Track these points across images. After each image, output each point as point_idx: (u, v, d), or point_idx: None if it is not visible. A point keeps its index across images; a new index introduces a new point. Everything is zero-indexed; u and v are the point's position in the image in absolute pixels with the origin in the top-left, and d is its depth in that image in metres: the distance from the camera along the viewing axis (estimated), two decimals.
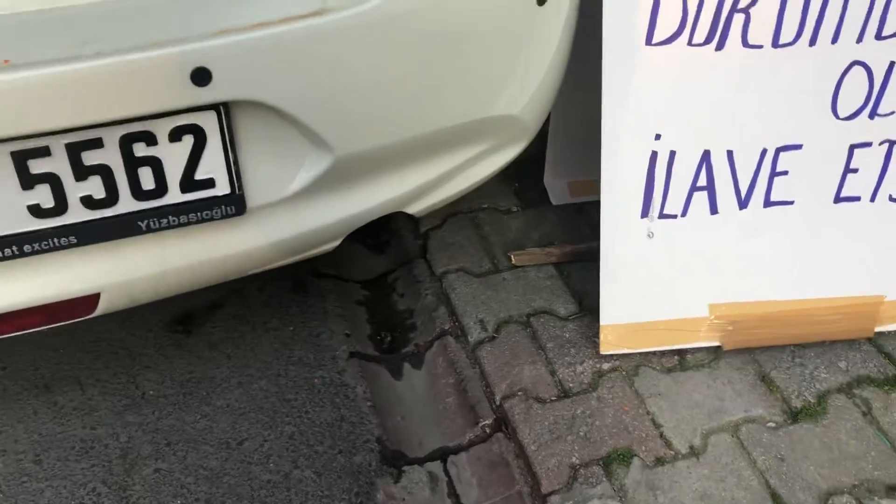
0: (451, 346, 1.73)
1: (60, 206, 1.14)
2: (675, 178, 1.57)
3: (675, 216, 1.60)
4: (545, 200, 2.06)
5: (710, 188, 1.59)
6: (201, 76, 1.08)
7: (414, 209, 1.49)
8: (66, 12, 1.05)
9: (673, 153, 1.55)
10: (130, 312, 1.57)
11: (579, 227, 1.98)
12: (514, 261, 1.87)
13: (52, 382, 1.65)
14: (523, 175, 2.08)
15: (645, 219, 1.59)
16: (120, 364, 1.69)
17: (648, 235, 1.60)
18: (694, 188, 1.59)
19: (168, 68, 1.06)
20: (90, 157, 1.13)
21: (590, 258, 1.80)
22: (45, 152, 1.10)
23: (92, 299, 1.26)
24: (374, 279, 2.00)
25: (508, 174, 1.80)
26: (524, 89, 1.42)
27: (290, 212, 1.31)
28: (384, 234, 2.08)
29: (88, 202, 1.16)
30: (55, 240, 1.16)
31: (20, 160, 1.09)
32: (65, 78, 1.03)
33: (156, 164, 1.17)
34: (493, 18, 1.28)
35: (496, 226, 2.01)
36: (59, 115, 1.06)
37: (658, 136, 1.54)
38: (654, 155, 1.55)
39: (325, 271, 1.95)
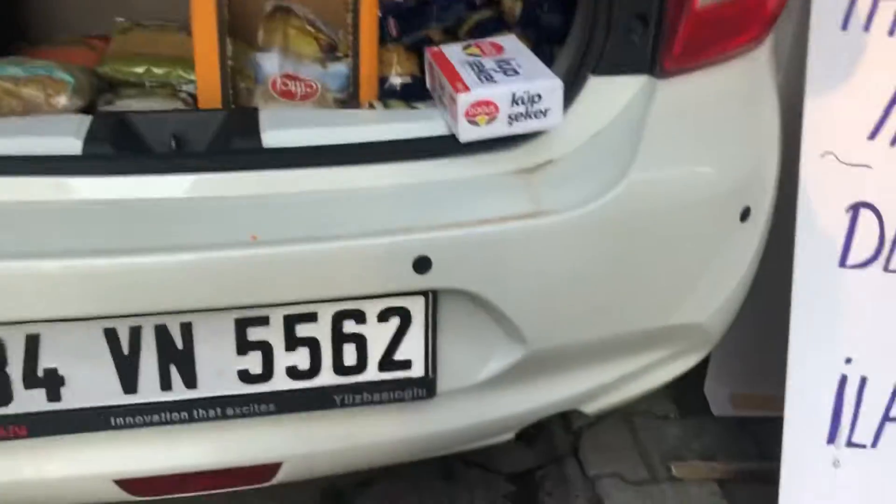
0: None
1: (267, 374, 1.19)
2: (866, 406, 1.49)
3: (864, 446, 1.50)
4: (705, 409, 1.98)
5: None
6: (423, 264, 1.13)
7: (588, 408, 1.46)
8: (310, 196, 1.14)
9: (864, 379, 1.48)
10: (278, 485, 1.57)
11: (744, 443, 1.88)
12: (674, 472, 1.78)
13: None
14: (682, 380, 2.02)
15: (831, 445, 1.50)
16: None
17: (834, 464, 1.50)
18: (886, 418, 1.50)
19: (395, 254, 1.12)
20: (302, 330, 1.17)
21: (759, 479, 1.70)
22: (264, 321, 1.15)
23: (272, 468, 1.27)
24: (522, 473, 1.93)
25: None
26: (714, 299, 1.41)
27: (475, 400, 1.31)
28: (534, 425, 2.04)
29: (292, 372, 1.19)
30: (256, 406, 1.19)
31: (241, 327, 1.15)
32: (302, 256, 1.09)
33: (360, 342, 1.20)
34: (697, 229, 1.30)
35: (653, 431, 1.94)
36: (288, 290, 1.12)
37: (849, 360, 1.49)
38: (844, 379, 1.48)
39: (473, 459, 1.91)
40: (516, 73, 1.21)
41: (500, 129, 1.18)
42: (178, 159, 1.16)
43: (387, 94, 1.58)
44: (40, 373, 1.12)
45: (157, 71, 1.65)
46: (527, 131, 1.20)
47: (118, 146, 1.14)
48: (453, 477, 1.85)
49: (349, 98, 1.54)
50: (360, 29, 1.50)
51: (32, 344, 1.10)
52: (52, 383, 1.13)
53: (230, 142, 1.17)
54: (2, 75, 1.38)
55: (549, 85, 1.18)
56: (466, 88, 1.16)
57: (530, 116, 1.19)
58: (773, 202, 1.45)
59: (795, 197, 1.47)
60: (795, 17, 1.53)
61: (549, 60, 1.40)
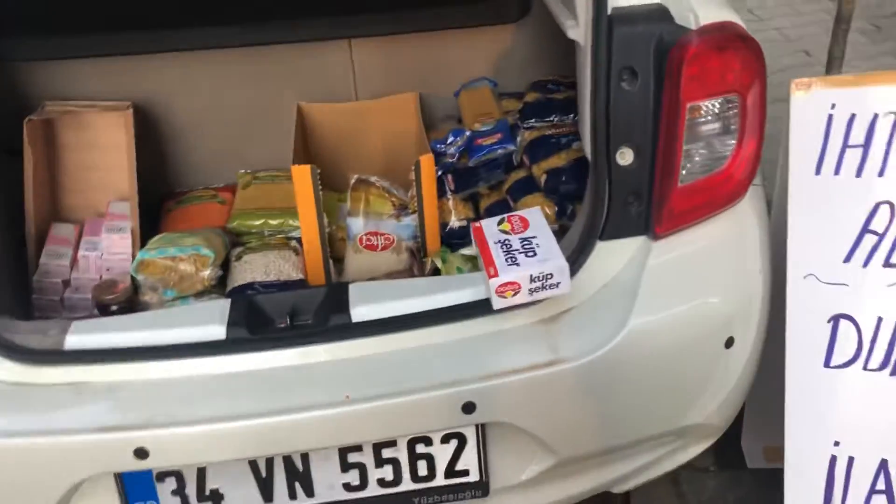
0: None
1: (363, 484, 1.63)
2: (854, 481, 1.79)
3: None
4: (742, 462, 2.28)
5: (889, 493, 1.79)
6: (469, 407, 1.54)
7: (616, 489, 1.83)
8: (386, 358, 1.56)
9: (851, 458, 1.78)
10: None
11: (774, 495, 2.19)
12: None
13: None
14: (723, 434, 2.34)
15: None
16: None
17: None
18: (873, 491, 1.79)
19: (448, 402, 1.53)
20: (386, 453, 1.61)
21: None
22: (358, 449, 1.59)
23: None
24: None
25: None
26: (712, 403, 1.74)
27: (521, 494, 1.71)
28: None
29: (382, 482, 1.63)
30: None
31: (343, 454, 1.59)
32: (383, 408, 1.52)
33: (430, 458, 1.62)
34: (688, 358, 1.65)
35: (694, 484, 2.27)
36: (374, 431, 1.55)
37: (837, 443, 1.78)
38: (834, 459, 1.78)
39: None
40: (535, 253, 1.59)
41: (522, 299, 1.57)
42: (292, 337, 1.60)
43: (448, 236, 2.00)
44: (207, 492, 1.60)
45: (273, 223, 2.13)
46: (543, 298, 1.59)
47: (251, 329, 1.59)
48: None
49: (417, 247, 1.96)
50: (423, 191, 1.92)
51: (202, 474, 1.58)
52: (216, 499, 1.61)
53: (328, 319, 1.61)
54: (164, 256, 1.89)
55: (559, 265, 1.56)
56: (496, 273, 1.55)
57: (545, 288, 1.57)
58: (766, 318, 1.77)
59: None
60: (781, 161, 1.83)
61: (569, 216, 1.77)
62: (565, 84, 2.13)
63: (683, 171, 1.59)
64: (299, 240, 2.03)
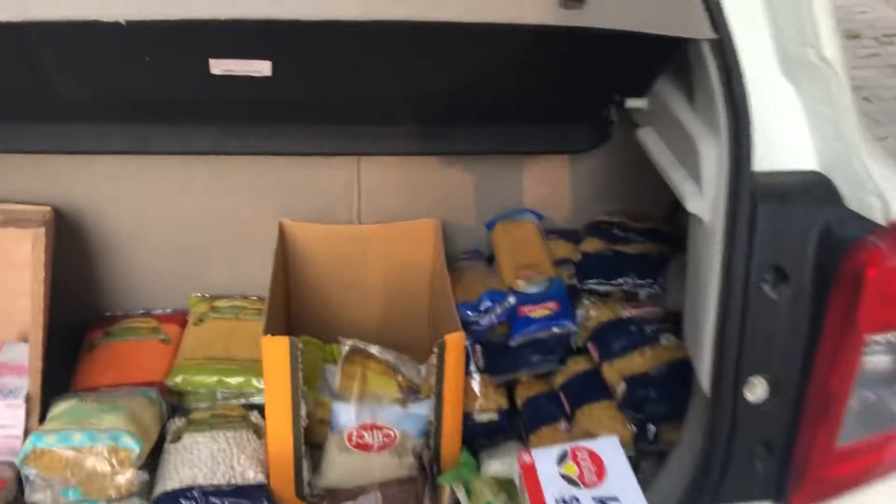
0: None
1: None
2: None
3: None
4: None
5: None
6: None
7: None
8: None
9: None
10: None
11: None
12: None
13: None
14: None
15: None
16: None
17: None
18: None
19: None
20: None
21: None
22: None
23: None
24: None
25: None
26: None
27: None
28: None
29: None
30: None
31: None
32: None
33: None
34: None
35: None
36: None
37: None
38: None
39: None
40: None
41: None
42: None
43: (470, 433, 1.46)
44: None
45: (230, 381, 1.58)
46: None
47: None
48: None
49: (427, 450, 1.42)
50: (446, 380, 1.38)
51: None
52: None
53: None
54: (67, 446, 1.31)
55: None
56: None
57: None
58: None
59: None
60: None
61: (652, 440, 1.25)
62: (636, 230, 1.62)
63: (846, 425, 1.08)
64: (263, 409, 1.48)
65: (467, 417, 1.46)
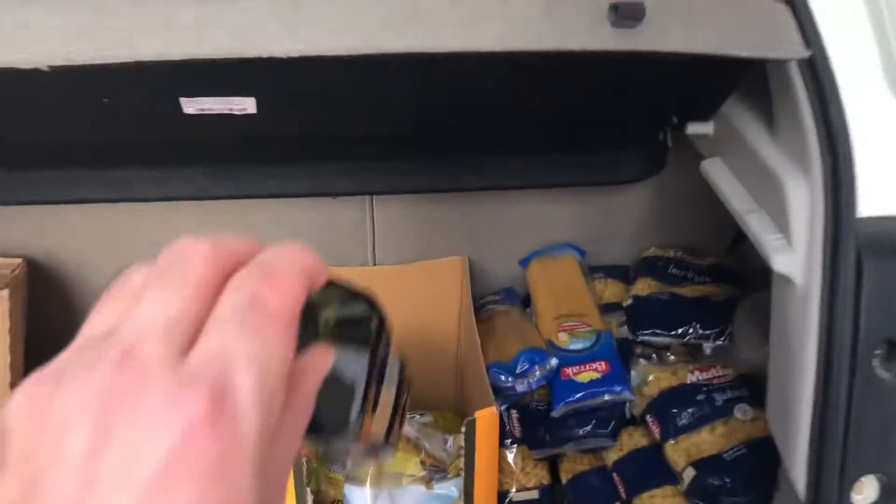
0: None
1: None
2: None
3: None
4: None
5: None
6: None
7: None
8: None
9: None
10: None
11: None
12: None
13: None
14: None
15: None
16: None
17: None
18: None
19: None
20: None
21: None
22: None
23: None
24: None
25: None
26: None
27: None
28: None
29: None
30: None
31: None
32: None
33: None
34: None
35: None
36: None
37: None
38: None
39: None
40: None
41: None
42: None
43: None
44: None
45: None
46: None
47: None
48: None
49: None
50: (477, 459, 1.17)
51: None
52: None
53: None
54: None
55: None
56: None
57: None
58: None
59: None
60: None
61: None
62: (696, 268, 1.38)
63: None
64: None
65: (503, 497, 1.25)
